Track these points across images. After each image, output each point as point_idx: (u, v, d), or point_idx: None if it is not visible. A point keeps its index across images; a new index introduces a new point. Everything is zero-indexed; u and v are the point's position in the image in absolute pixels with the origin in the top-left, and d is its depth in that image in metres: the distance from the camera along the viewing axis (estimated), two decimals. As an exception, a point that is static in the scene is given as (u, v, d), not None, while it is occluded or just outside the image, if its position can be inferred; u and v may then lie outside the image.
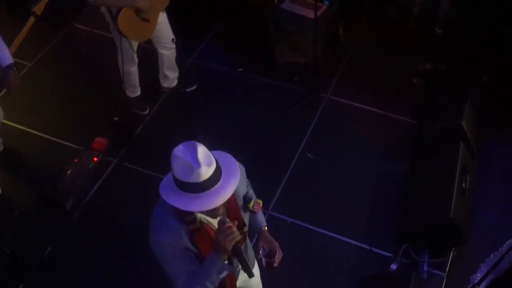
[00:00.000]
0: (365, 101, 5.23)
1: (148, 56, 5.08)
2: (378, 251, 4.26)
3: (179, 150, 2.44)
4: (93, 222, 4.45)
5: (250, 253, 3.11)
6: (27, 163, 4.77)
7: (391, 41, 5.63)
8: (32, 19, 4.15)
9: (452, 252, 4.18)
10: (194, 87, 5.26)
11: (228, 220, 2.52)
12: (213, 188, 2.43)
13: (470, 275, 3.46)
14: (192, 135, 4.10)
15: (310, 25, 4.97)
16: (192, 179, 2.40)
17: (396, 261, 4.10)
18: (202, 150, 2.43)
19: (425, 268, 4.08)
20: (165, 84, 5.26)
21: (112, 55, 4.84)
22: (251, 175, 4.17)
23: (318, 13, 4.82)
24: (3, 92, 4.63)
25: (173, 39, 4.55)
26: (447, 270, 4.14)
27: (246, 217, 2.83)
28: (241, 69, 5.50)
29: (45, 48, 5.73)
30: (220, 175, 2.46)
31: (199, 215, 2.61)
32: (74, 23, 5.90)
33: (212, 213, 2.54)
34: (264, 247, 2.93)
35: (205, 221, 2.64)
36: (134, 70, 4.91)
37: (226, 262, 2.63)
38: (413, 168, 4.58)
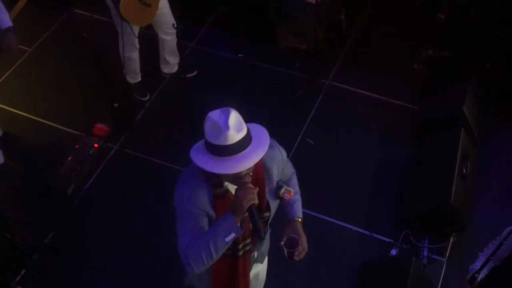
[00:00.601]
0: (366, 87, 5.22)
1: (149, 42, 5.06)
2: (379, 236, 4.27)
3: (214, 113, 2.49)
4: (94, 208, 4.46)
5: (266, 243, 3.11)
6: (28, 149, 4.76)
7: (393, 26, 5.61)
8: None
9: (452, 238, 4.19)
10: (195, 72, 5.24)
11: (251, 185, 2.54)
12: (240, 154, 2.46)
13: (470, 260, 3.47)
14: (192, 121, 4.09)
15: (311, 10, 4.94)
16: (220, 141, 2.44)
17: (396, 247, 4.12)
18: (234, 116, 2.47)
19: (425, 254, 4.09)
20: (165, 70, 5.25)
21: (112, 40, 4.83)
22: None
23: (320, -2, 4.80)
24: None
25: (173, 24, 4.52)
26: (447, 255, 4.15)
27: (274, 204, 2.83)
28: (241, 55, 5.48)
29: (45, 34, 5.71)
30: (249, 142, 2.50)
31: (226, 183, 2.63)
32: (74, 8, 5.88)
33: (238, 181, 2.53)
34: (289, 236, 2.91)
35: (230, 191, 2.65)
36: (135, 55, 4.90)
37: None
38: (414, 154, 4.58)
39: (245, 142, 2.48)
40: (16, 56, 5.48)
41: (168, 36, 4.91)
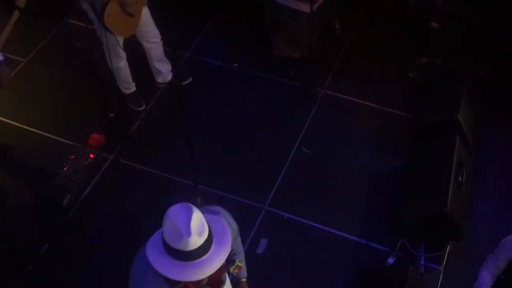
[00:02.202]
0: (361, 96, 5.23)
1: (142, 51, 5.05)
2: (375, 245, 4.26)
3: (174, 211, 2.33)
4: (89, 219, 4.44)
5: None
6: (23, 160, 4.75)
7: (387, 35, 5.63)
8: (16, 13, 4.14)
9: (448, 246, 4.19)
10: (190, 79, 5.24)
11: None
12: (201, 259, 2.32)
13: (467, 268, 3.48)
14: (188, 131, 4.09)
15: (306, 19, 4.95)
16: (180, 247, 2.29)
17: (393, 256, 4.11)
18: (196, 217, 2.31)
19: (422, 262, 4.09)
20: (159, 79, 5.25)
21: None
22: (247, 171, 4.22)
23: (314, 7, 4.81)
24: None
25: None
26: (444, 263, 4.14)
27: (225, 274, 2.74)
28: (236, 65, 5.49)
29: (39, 44, 5.70)
30: (211, 244, 2.35)
31: None
32: (68, 18, 5.88)
33: (197, 282, 2.41)
34: None
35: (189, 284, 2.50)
36: (123, 65, 4.88)
37: None
38: (409, 162, 4.58)
39: (207, 245, 2.33)
40: (11, 67, 5.46)
41: (152, 45, 4.92)
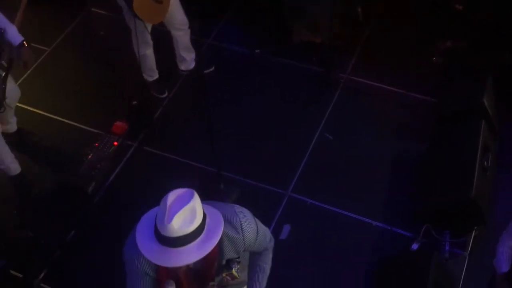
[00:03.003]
0: (384, 81, 5.19)
1: (166, 39, 5.07)
2: (399, 231, 4.25)
3: (172, 195, 2.37)
4: (114, 206, 4.49)
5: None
6: (48, 148, 4.81)
7: (410, 18, 5.55)
8: None
9: (473, 232, 4.16)
10: (212, 68, 5.25)
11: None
12: (180, 248, 2.31)
13: (492, 254, 3.44)
14: (210, 117, 4.09)
15: (327, 3, 4.91)
16: (162, 230, 2.31)
17: (417, 241, 4.09)
18: (189, 208, 2.31)
19: (447, 248, 4.06)
20: (182, 67, 5.26)
21: (129, 38, 4.84)
22: (270, 157, 4.20)
23: (336, -8, 4.78)
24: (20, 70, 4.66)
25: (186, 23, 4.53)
26: (469, 249, 4.11)
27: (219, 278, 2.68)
28: (258, 51, 5.47)
29: (62, 33, 5.75)
30: (197, 237, 2.33)
31: None
32: (91, 7, 5.91)
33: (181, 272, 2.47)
34: None
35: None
36: (149, 53, 4.91)
37: None
38: (433, 147, 4.54)
39: (190, 237, 2.31)
40: (35, 56, 5.50)
41: (180, 32, 4.92)
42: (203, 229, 2.36)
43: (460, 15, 5.41)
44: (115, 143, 4.73)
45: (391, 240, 4.21)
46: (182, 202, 2.33)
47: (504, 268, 3.21)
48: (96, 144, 4.71)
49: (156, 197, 4.55)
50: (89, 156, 4.62)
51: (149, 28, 4.66)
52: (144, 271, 2.52)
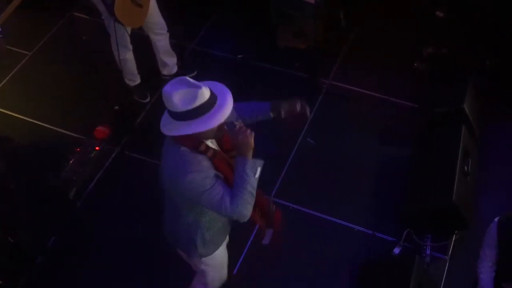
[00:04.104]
0: (366, 86, 5.22)
1: (147, 44, 5.06)
2: (381, 235, 4.27)
3: (172, 86, 2.64)
4: (96, 211, 4.46)
5: None
6: (29, 153, 4.77)
7: (392, 25, 5.60)
8: None
9: (454, 236, 4.19)
10: (195, 73, 5.24)
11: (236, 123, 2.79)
12: (215, 106, 2.65)
13: (473, 257, 3.47)
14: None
15: (310, 10, 4.94)
16: (197, 103, 2.60)
17: (399, 246, 4.11)
18: (190, 79, 2.65)
19: (428, 252, 4.09)
20: (165, 72, 5.25)
21: (111, 42, 4.83)
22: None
23: (319, -2, 4.80)
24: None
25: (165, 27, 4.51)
26: (450, 253, 4.15)
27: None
28: (241, 56, 5.48)
29: (44, 37, 5.71)
30: (215, 92, 2.69)
31: (208, 142, 2.80)
32: (73, 11, 5.88)
33: (220, 132, 2.77)
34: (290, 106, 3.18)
35: (214, 148, 2.83)
36: (129, 57, 4.89)
37: None
38: (415, 152, 4.57)
39: (214, 96, 2.67)
40: (16, 61, 5.49)
41: (159, 36, 4.92)
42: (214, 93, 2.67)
43: (441, 22, 5.47)
44: (97, 148, 4.71)
45: (373, 244, 4.23)
46: (184, 80, 2.66)
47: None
48: (78, 149, 4.68)
49: (138, 202, 4.56)
50: (71, 161, 4.59)
51: (129, 32, 4.65)
52: (214, 173, 2.76)
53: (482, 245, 3.28)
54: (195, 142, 2.74)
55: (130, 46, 4.80)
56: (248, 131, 2.75)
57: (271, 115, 3.21)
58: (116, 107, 4.96)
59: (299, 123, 3.00)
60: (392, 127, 4.94)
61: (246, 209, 2.77)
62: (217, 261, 3.34)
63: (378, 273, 3.89)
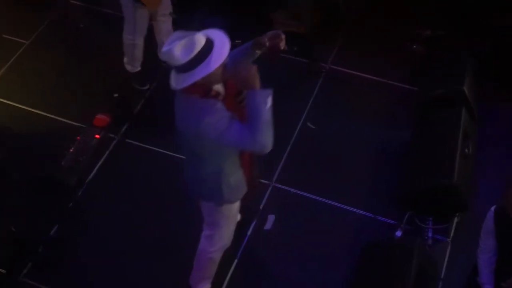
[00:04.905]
0: (365, 70, 5.21)
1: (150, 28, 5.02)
2: (382, 219, 4.28)
3: (169, 44, 2.76)
4: (97, 199, 4.46)
5: None
6: (29, 142, 4.76)
7: (390, 7, 5.57)
8: None
9: (456, 218, 4.20)
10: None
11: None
12: (215, 46, 2.78)
13: (474, 239, 3.49)
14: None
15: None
16: (197, 49, 2.74)
17: (400, 229, 4.12)
18: (182, 31, 2.82)
19: (430, 235, 4.11)
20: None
21: (109, 30, 4.80)
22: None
23: (317, -19, 4.78)
24: None
25: (170, 13, 4.49)
26: (451, 235, 4.16)
27: None
28: (239, 41, 5.43)
29: (41, 26, 5.68)
30: (211, 36, 2.83)
31: (216, 87, 2.92)
32: (69, -1, 5.86)
33: (224, 75, 2.88)
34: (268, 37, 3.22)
35: (221, 93, 2.96)
36: (141, 42, 4.85)
37: None
38: (415, 135, 4.57)
39: (210, 40, 2.81)
40: (14, 50, 5.46)
41: (165, 18, 4.84)
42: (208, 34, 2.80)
43: (440, 3, 5.44)
44: (97, 136, 4.70)
45: (375, 228, 4.25)
46: (178, 34, 2.80)
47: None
48: (78, 138, 4.68)
49: (139, 190, 4.56)
50: (71, 150, 4.59)
51: (148, 16, 4.63)
52: (228, 114, 2.88)
53: (480, 234, 3.29)
54: (204, 89, 2.86)
55: (145, 32, 4.75)
56: (249, 64, 2.89)
57: (256, 51, 3.30)
58: (115, 95, 4.95)
59: (277, 55, 3.08)
60: (391, 110, 4.93)
61: (266, 139, 2.86)
62: (232, 213, 3.46)
63: (379, 256, 3.90)
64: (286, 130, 4.80)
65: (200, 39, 2.76)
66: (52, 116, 4.97)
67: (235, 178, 3.21)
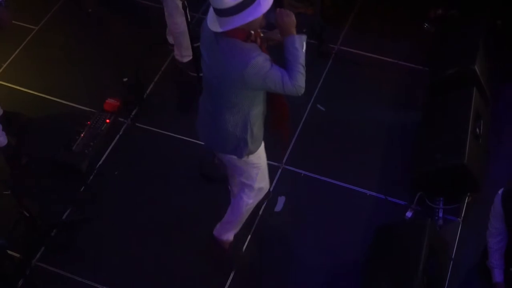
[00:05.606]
0: (375, 50, 5.17)
1: (149, 13, 4.98)
2: (393, 200, 4.27)
3: None
4: (109, 183, 4.49)
5: None
6: (40, 127, 4.79)
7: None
8: None
9: (467, 198, 4.19)
10: (199, 43, 5.17)
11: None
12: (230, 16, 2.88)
13: (485, 220, 3.48)
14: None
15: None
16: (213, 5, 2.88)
17: (411, 209, 4.11)
18: None
19: (441, 215, 4.09)
20: (172, 41, 5.19)
21: (118, 14, 4.78)
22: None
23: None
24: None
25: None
26: (462, 215, 4.15)
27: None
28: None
29: (50, 11, 5.69)
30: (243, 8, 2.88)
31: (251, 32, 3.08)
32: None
33: (263, 21, 3.01)
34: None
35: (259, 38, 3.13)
36: (185, 29, 4.59)
37: None
38: (426, 116, 4.55)
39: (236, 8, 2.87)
40: (23, 35, 5.48)
41: None
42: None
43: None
44: (108, 120, 4.72)
45: (385, 209, 4.24)
46: None
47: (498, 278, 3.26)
48: (89, 122, 4.70)
49: (149, 173, 4.58)
50: (82, 135, 4.61)
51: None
52: (266, 55, 3.03)
53: (489, 217, 3.28)
54: (246, 33, 3.01)
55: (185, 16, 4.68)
56: (289, 11, 3.04)
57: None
58: (125, 79, 4.95)
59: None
60: (402, 91, 4.90)
61: (303, 82, 3.07)
62: (262, 158, 3.61)
63: (391, 236, 3.90)
64: (296, 112, 4.79)
65: None
66: (62, 101, 4.99)
67: (257, 127, 3.33)
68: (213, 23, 2.97)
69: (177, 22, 4.68)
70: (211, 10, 2.99)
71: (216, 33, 2.98)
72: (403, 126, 4.66)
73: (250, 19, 2.89)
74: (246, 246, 4.10)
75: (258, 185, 3.69)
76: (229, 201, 3.93)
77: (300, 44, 3.05)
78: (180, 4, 4.45)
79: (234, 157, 3.44)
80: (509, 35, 4.98)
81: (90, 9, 5.63)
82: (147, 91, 5.05)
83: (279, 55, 3.11)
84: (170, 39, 4.92)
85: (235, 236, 4.00)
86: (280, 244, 4.13)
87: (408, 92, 4.88)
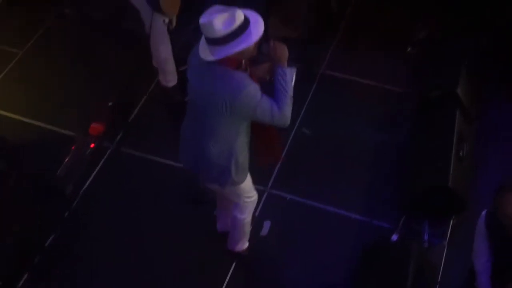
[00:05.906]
0: (360, 73, 5.21)
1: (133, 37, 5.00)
2: (379, 223, 4.28)
3: (209, 15, 2.87)
4: (93, 208, 4.45)
5: None
6: (24, 152, 4.74)
7: (384, 10, 5.58)
8: None
9: (452, 220, 4.20)
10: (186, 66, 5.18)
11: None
12: (251, 21, 2.95)
13: (471, 242, 3.48)
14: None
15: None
16: (237, 23, 2.88)
17: (396, 232, 4.12)
18: (221, 6, 2.92)
19: (426, 238, 4.10)
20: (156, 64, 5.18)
21: (103, 39, 4.79)
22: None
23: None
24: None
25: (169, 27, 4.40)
26: (447, 238, 4.16)
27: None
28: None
29: (35, 35, 5.67)
30: (247, 14, 2.96)
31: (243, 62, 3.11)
32: (63, 8, 5.84)
33: (254, 51, 3.06)
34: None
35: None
36: (170, 54, 4.73)
37: None
38: (410, 138, 4.57)
39: (246, 16, 2.94)
40: (7, 60, 5.46)
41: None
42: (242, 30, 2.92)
43: (434, 4, 5.44)
44: (92, 145, 4.69)
45: (371, 232, 4.24)
46: (218, 8, 2.91)
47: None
48: (73, 147, 4.67)
49: (135, 200, 4.55)
50: (66, 159, 4.58)
51: (167, 23, 4.48)
52: (257, 85, 3.06)
53: (474, 238, 3.28)
54: (237, 61, 3.03)
55: (169, 42, 4.62)
56: (282, 43, 3.12)
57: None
58: (110, 104, 4.94)
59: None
60: (386, 114, 4.94)
61: (289, 113, 3.16)
62: (247, 184, 3.60)
63: (377, 260, 3.90)
64: (281, 135, 4.79)
65: (239, 14, 2.90)
66: (47, 126, 4.96)
67: (243, 157, 3.32)
68: (204, 51, 2.99)
69: (160, 49, 4.68)
70: (202, 38, 3.01)
71: (207, 61, 3.00)
72: (388, 149, 4.68)
73: (242, 47, 2.93)
74: (233, 270, 4.07)
75: (247, 200, 3.70)
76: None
77: (291, 77, 3.13)
78: (165, 29, 4.46)
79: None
80: (495, 55, 5.01)
81: (75, 33, 5.62)
82: (133, 115, 5.03)
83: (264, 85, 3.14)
84: (155, 63, 4.94)
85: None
86: (267, 268, 4.11)
87: (393, 115, 4.91)
